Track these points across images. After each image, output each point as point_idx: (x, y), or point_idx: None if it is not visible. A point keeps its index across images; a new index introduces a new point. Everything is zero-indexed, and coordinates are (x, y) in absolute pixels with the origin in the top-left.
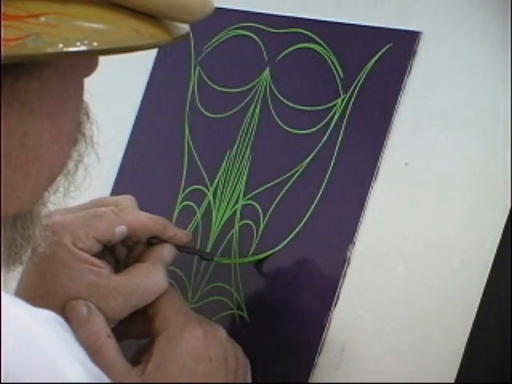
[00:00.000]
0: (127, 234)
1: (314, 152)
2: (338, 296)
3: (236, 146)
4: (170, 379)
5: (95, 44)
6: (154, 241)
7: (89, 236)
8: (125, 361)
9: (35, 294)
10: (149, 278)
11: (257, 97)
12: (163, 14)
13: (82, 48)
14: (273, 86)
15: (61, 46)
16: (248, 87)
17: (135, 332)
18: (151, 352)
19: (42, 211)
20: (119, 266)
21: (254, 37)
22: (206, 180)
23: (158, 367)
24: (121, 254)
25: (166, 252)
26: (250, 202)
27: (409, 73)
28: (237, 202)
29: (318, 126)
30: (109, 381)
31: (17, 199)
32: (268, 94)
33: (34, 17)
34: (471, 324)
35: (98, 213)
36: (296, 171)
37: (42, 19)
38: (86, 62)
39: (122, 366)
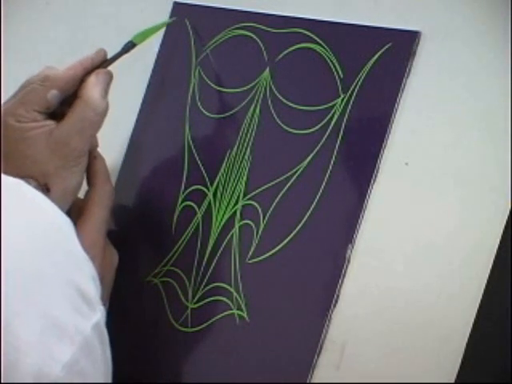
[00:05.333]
0: (61, 94)
1: (314, 152)
2: (338, 296)
3: (236, 146)
4: None
5: None
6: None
7: (28, 110)
8: None
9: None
10: (88, 107)
11: (257, 97)
12: None
13: None
14: (273, 86)
15: None
16: (248, 87)
17: None
18: None
19: None
20: None
21: (254, 37)
22: (207, 180)
23: None
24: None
25: (94, 78)
26: (250, 202)
27: (408, 73)
28: (237, 202)
29: (318, 126)
30: None
31: None
32: (268, 94)
33: None
34: (471, 324)
35: (27, 90)
36: (296, 171)
37: None
38: None
39: None
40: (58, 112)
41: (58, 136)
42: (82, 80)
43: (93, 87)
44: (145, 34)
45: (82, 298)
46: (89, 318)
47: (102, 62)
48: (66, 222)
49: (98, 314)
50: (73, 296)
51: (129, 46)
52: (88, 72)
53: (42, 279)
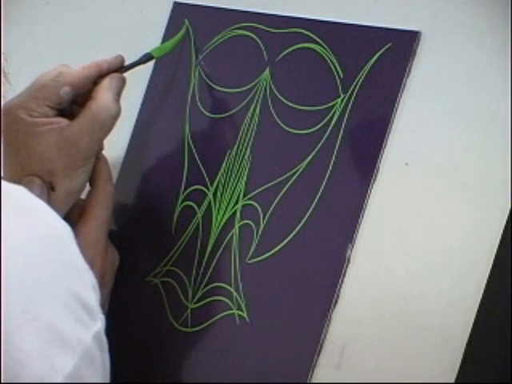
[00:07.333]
0: (73, 91)
1: (314, 152)
2: (338, 296)
3: (236, 146)
4: None
5: None
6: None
7: (40, 105)
8: None
9: (17, 173)
10: (102, 109)
11: (257, 97)
12: None
13: None
14: (273, 86)
15: None
16: (248, 87)
17: None
18: None
19: None
20: None
21: (254, 37)
22: (207, 180)
23: None
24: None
25: (108, 81)
26: (250, 202)
27: (408, 72)
28: (237, 202)
29: (318, 126)
30: None
31: None
32: (268, 93)
33: None
34: (471, 324)
35: (40, 85)
36: (296, 171)
37: None
38: None
39: None
40: (68, 113)
41: (69, 135)
42: (95, 82)
43: (106, 90)
44: (162, 49)
45: (83, 308)
46: (90, 327)
47: (118, 68)
48: (66, 231)
49: (99, 322)
50: (74, 306)
51: (147, 58)
52: (102, 75)
53: (42, 289)
